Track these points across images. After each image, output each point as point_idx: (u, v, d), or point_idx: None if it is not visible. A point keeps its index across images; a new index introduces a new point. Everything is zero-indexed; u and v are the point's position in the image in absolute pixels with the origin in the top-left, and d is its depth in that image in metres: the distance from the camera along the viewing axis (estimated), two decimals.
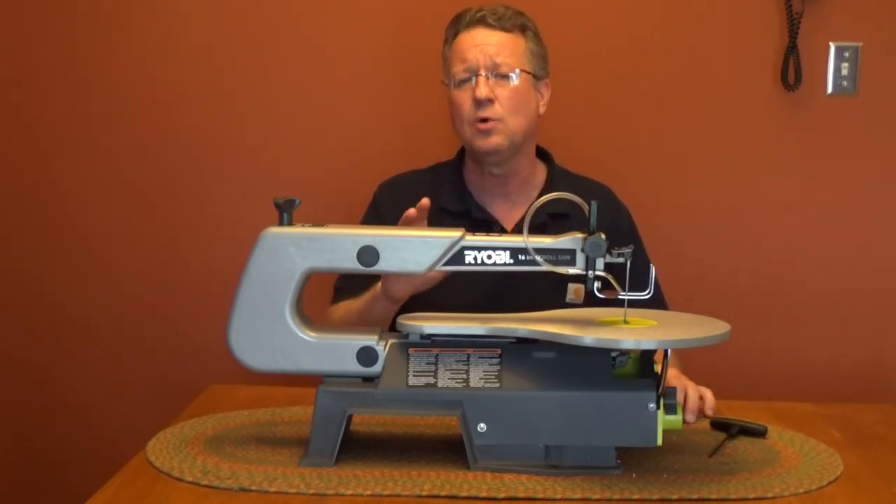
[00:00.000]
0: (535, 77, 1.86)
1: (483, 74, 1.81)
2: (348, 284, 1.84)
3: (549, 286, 1.78)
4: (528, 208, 1.45)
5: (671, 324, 1.47)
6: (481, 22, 1.84)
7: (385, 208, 1.91)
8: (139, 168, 2.41)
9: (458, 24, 1.87)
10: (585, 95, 2.34)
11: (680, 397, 1.62)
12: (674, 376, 1.68)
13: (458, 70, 1.83)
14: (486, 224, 1.87)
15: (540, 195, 1.84)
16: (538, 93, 1.88)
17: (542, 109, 1.90)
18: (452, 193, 1.91)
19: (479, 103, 1.80)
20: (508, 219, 1.89)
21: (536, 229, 1.43)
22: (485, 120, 1.81)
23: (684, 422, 1.50)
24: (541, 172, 1.95)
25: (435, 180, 1.94)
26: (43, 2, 2.37)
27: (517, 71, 1.82)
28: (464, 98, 1.83)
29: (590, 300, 1.50)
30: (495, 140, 1.82)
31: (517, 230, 1.83)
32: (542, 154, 1.97)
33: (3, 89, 2.40)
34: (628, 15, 2.34)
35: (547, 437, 1.39)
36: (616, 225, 1.91)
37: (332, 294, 1.90)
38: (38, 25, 2.38)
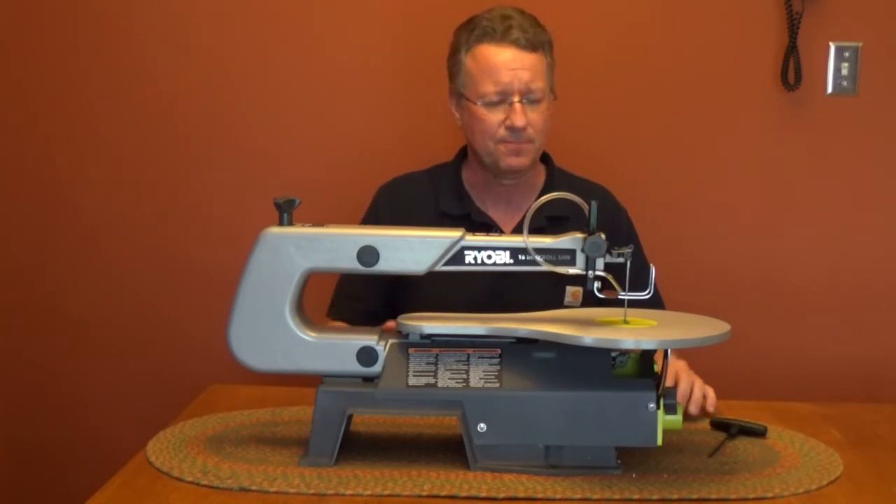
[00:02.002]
0: (551, 91, 1.86)
1: (518, 100, 1.78)
2: (342, 302, 1.89)
3: (547, 289, 1.78)
4: (529, 208, 1.45)
5: (671, 324, 1.47)
6: (515, 43, 1.78)
7: (384, 212, 1.92)
8: (139, 168, 2.40)
9: (482, 35, 1.81)
10: (585, 95, 2.33)
11: (686, 389, 1.63)
12: (682, 370, 1.68)
13: (489, 91, 1.78)
14: (486, 228, 1.86)
15: (539, 197, 1.83)
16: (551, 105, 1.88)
17: None
18: (451, 197, 1.90)
19: (515, 130, 1.79)
20: (508, 222, 1.89)
21: (535, 233, 1.43)
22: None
23: (686, 415, 1.50)
24: (541, 174, 1.95)
25: (433, 183, 1.94)
26: (43, 2, 2.37)
27: (546, 93, 1.82)
28: (493, 118, 1.80)
29: (589, 300, 1.50)
30: (523, 161, 1.82)
31: (516, 233, 1.83)
32: (541, 156, 1.96)
33: (3, 88, 2.40)
34: (628, 15, 2.34)
35: (547, 437, 1.39)
36: (615, 226, 1.90)
37: (329, 306, 1.93)
38: (38, 25, 2.38)
